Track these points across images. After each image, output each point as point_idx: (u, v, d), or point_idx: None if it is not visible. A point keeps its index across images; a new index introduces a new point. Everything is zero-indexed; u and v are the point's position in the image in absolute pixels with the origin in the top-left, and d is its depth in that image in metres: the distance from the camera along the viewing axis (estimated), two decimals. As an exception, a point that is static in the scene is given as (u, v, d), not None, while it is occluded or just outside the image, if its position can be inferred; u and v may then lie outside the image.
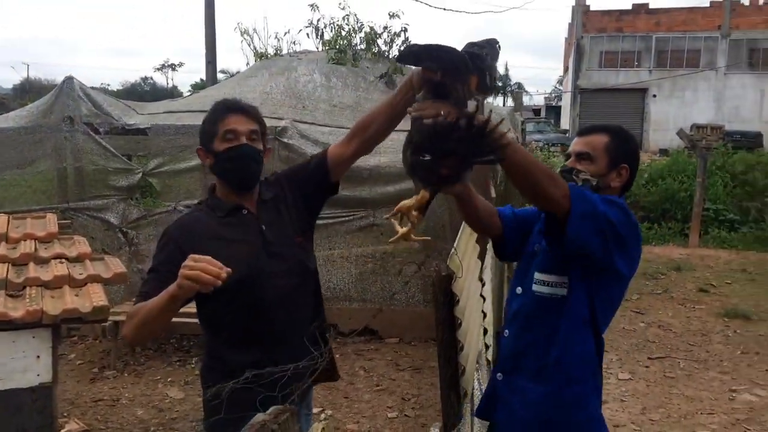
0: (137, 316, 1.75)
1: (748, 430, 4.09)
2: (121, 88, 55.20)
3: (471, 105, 1.49)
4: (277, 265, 1.94)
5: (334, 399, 4.44)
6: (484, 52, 1.47)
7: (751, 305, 7.07)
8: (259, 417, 0.97)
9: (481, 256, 2.96)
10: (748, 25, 26.85)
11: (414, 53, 1.47)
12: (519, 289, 2.02)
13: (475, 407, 2.32)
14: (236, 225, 1.94)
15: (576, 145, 2.00)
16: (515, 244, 2.09)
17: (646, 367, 5.25)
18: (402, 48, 1.62)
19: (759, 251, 10.29)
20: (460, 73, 1.41)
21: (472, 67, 1.41)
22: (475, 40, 1.55)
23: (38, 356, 2.48)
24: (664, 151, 22.13)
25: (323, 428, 1.05)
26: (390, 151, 5.50)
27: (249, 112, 1.98)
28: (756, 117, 26.44)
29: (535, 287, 1.94)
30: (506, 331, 2.06)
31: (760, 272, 8.89)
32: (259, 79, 7.22)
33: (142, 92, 54.63)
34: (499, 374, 2.05)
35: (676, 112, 26.76)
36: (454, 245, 2.05)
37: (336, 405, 4.37)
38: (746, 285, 8.16)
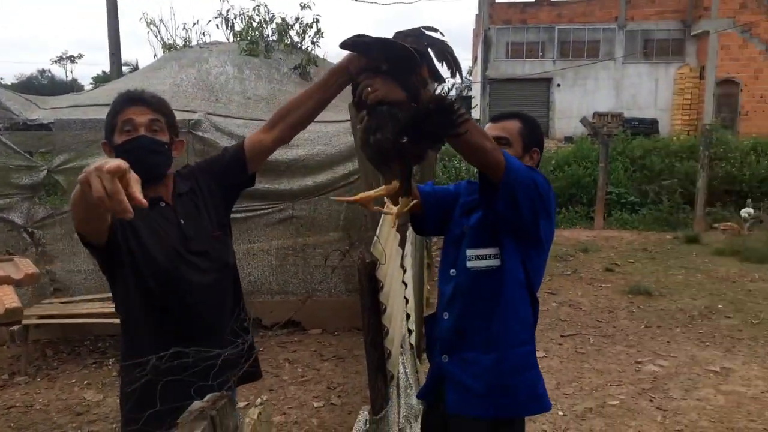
0: None
1: (653, 398, 4.36)
2: (16, 81, 51.84)
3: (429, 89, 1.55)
4: (195, 261, 1.89)
5: (259, 393, 4.41)
6: (424, 44, 1.51)
7: (652, 282, 7.54)
8: (197, 404, 0.97)
9: (402, 244, 3.02)
10: (642, 16, 28.22)
11: (361, 46, 1.51)
12: (453, 272, 2.07)
13: (401, 390, 2.37)
14: (155, 217, 1.87)
15: (492, 130, 2.08)
16: (435, 220, 2.17)
17: (559, 344, 5.50)
18: (347, 39, 1.62)
19: (657, 231, 10.95)
20: (410, 66, 1.46)
21: (419, 61, 1.47)
22: (401, 29, 1.56)
23: (-54, 364, 2.37)
24: (569, 139, 23.04)
25: (260, 413, 1.07)
26: (307, 144, 5.49)
27: (149, 102, 1.90)
28: (651, 104, 27.88)
29: (469, 263, 2.01)
30: (445, 313, 2.10)
31: (659, 251, 9.47)
32: (168, 71, 7.02)
33: (39, 86, 51.54)
34: (444, 357, 2.09)
35: (579, 100, 27.84)
36: (377, 233, 2.09)
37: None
38: (647, 263, 8.67)
